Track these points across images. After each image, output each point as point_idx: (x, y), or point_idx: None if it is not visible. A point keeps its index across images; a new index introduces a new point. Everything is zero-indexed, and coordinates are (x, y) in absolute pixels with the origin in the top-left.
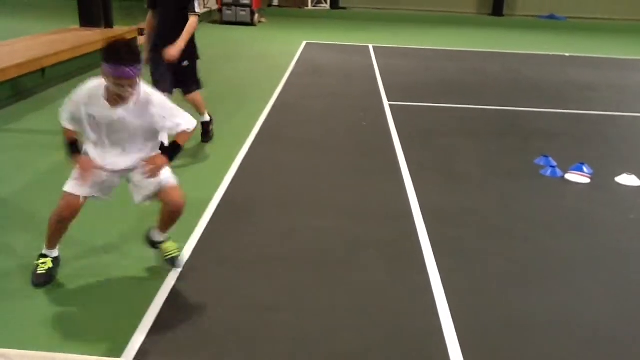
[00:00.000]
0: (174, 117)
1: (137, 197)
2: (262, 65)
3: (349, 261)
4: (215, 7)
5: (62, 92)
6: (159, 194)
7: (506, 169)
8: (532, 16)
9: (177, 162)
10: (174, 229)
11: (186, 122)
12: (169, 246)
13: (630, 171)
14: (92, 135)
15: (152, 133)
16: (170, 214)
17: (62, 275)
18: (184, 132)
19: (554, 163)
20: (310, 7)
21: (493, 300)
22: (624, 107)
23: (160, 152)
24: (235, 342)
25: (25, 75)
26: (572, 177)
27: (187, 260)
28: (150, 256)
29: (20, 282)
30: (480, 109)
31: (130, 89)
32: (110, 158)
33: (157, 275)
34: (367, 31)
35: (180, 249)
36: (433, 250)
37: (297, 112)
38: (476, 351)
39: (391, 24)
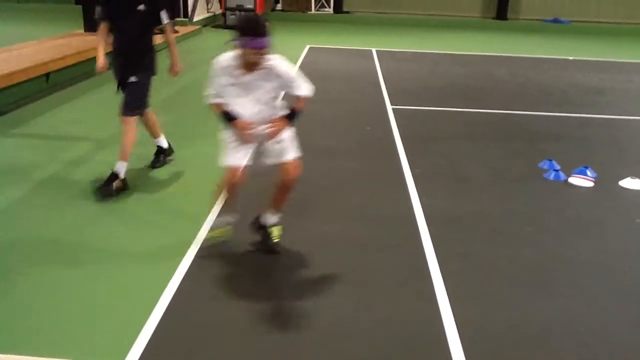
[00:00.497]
0: (295, 82)
1: (260, 163)
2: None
3: (351, 266)
4: (219, 11)
5: (65, 97)
6: (280, 165)
7: (510, 173)
8: (536, 20)
9: (177, 165)
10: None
11: (304, 89)
12: (275, 230)
13: (634, 175)
14: (231, 98)
15: (278, 93)
16: (282, 188)
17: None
18: (302, 99)
19: (558, 167)
20: (313, 11)
21: (498, 306)
22: (629, 110)
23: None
24: (236, 336)
25: (30, 80)
26: (576, 180)
27: (191, 264)
28: (141, 272)
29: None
30: (484, 112)
31: (263, 57)
32: (250, 115)
33: (158, 279)
34: (371, 35)
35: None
36: (437, 255)
37: (301, 117)
38: (481, 359)
39: (394, 28)
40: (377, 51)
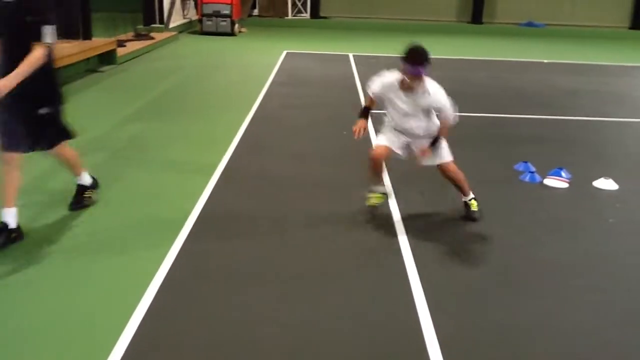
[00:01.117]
0: (447, 109)
1: (406, 156)
2: (243, 75)
3: (331, 273)
4: (195, 17)
5: None
6: (439, 166)
7: (487, 175)
8: (511, 23)
9: (156, 175)
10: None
11: (450, 115)
12: (473, 203)
13: (607, 175)
14: (390, 109)
15: (427, 111)
16: (452, 179)
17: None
18: (445, 126)
19: (533, 168)
20: (290, 16)
21: (475, 309)
22: (603, 112)
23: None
24: (219, 358)
25: None
26: (551, 182)
27: (167, 274)
28: (129, 266)
29: None
30: (462, 116)
31: (418, 82)
32: (401, 124)
33: (137, 288)
34: (348, 40)
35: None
36: (414, 260)
37: (277, 122)
38: None
39: (371, 33)
40: (354, 56)
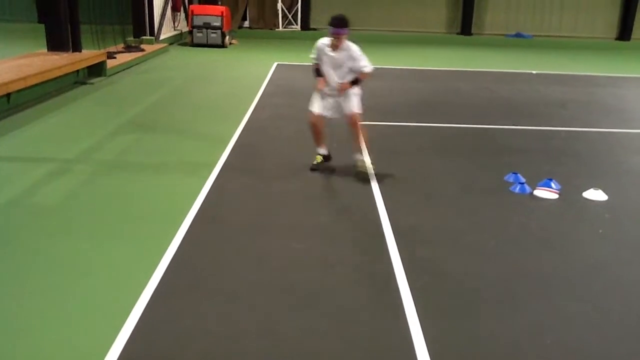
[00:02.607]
0: (361, 61)
1: (335, 114)
2: (233, 87)
3: (321, 284)
4: (185, 29)
5: (28, 117)
6: (346, 116)
7: (477, 186)
8: (500, 35)
9: (144, 187)
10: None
11: (367, 67)
12: (359, 162)
13: (596, 186)
14: (324, 66)
15: (347, 66)
16: (352, 129)
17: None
18: (364, 73)
19: (523, 179)
20: (281, 28)
21: (466, 320)
22: (591, 122)
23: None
24: None
25: None
26: (541, 193)
27: (158, 286)
28: (118, 272)
29: None
30: (451, 127)
31: (341, 41)
32: (329, 78)
33: (127, 299)
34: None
35: (369, 167)
36: (405, 270)
37: (268, 133)
38: None
39: (361, 44)
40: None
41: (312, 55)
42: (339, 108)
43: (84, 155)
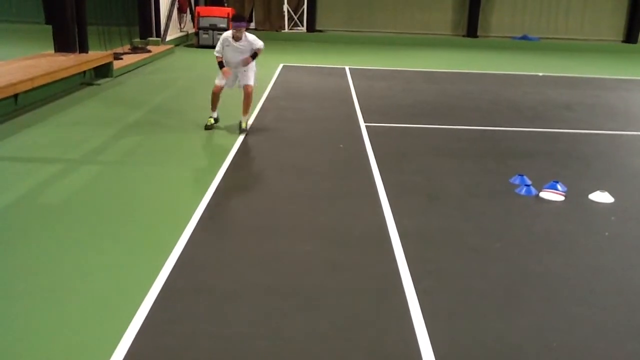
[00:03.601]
0: (257, 44)
1: (235, 85)
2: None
3: (326, 287)
4: (191, 30)
5: (35, 118)
6: (243, 87)
7: (482, 189)
8: (506, 37)
9: (151, 187)
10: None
11: (260, 45)
12: (243, 123)
13: (602, 188)
14: (227, 55)
15: (249, 50)
16: (245, 100)
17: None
18: (259, 50)
19: (529, 182)
20: (287, 30)
21: (471, 322)
22: (597, 125)
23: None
24: None
25: None
26: (547, 195)
27: (162, 288)
28: (122, 272)
29: None
30: (456, 129)
31: (242, 32)
32: (233, 61)
33: (131, 301)
34: (344, 53)
35: (247, 125)
36: (411, 273)
37: (274, 135)
38: None
39: (367, 46)
40: (350, 69)
41: (218, 50)
42: (236, 81)
43: (89, 156)
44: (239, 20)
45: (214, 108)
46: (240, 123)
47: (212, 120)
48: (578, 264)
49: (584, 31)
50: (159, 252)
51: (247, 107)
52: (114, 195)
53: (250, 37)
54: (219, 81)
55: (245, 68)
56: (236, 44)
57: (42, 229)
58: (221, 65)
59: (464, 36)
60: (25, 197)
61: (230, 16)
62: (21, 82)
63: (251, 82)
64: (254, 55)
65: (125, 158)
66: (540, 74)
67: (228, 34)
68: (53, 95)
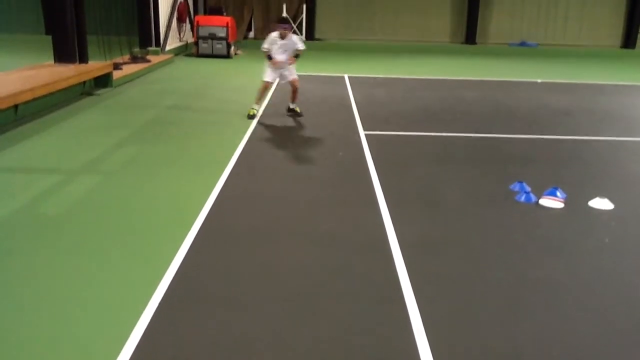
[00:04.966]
0: (299, 44)
1: (283, 81)
2: (238, 97)
3: (326, 295)
4: (191, 40)
5: (35, 129)
6: (290, 82)
7: (482, 195)
8: (504, 43)
9: (150, 198)
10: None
11: (302, 46)
12: (296, 108)
13: (602, 194)
14: (274, 50)
15: (292, 49)
16: (293, 91)
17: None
18: (300, 50)
19: (528, 188)
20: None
21: (472, 330)
22: (596, 131)
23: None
24: None
25: None
26: (546, 202)
27: (163, 297)
28: (121, 288)
29: None
30: (457, 136)
31: (287, 32)
32: (279, 58)
33: (131, 311)
34: (343, 61)
35: (300, 110)
36: (411, 281)
37: (273, 142)
38: None
39: (366, 54)
40: (349, 77)
41: (265, 46)
42: (282, 77)
43: (89, 166)
44: (285, 22)
45: (258, 101)
46: (293, 109)
47: (255, 111)
48: (579, 271)
49: (582, 37)
50: (160, 260)
51: (295, 96)
52: (114, 205)
53: (295, 37)
54: (267, 77)
55: (289, 66)
56: (282, 42)
57: (41, 239)
58: (269, 57)
59: (462, 43)
60: (25, 208)
61: (278, 19)
62: (21, 92)
63: (295, 75)
64: (297, 55)
65: (126, 167)
66: (539, 80)
67: (275, 33)
68: (53, 105)
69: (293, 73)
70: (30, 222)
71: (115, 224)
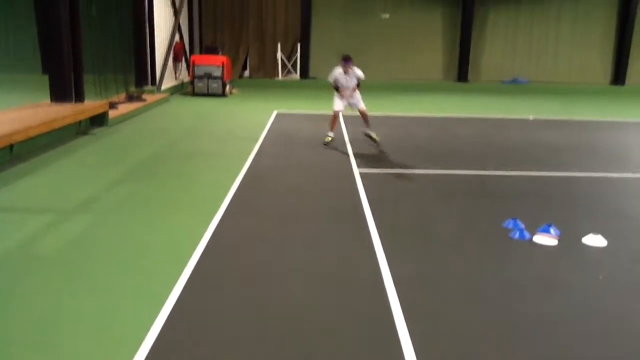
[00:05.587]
0: (360, 74)
1: (353, 108)
2: (233, 136)
3: (322, 335)
4: (187, 79)
5: (29, 168)
6: (359, 110)
7: (476, 233)
8: (496, 81)
9: (144, 238)
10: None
11: (361, 75)
12: (372, 134)
13: (595, 231)
14: (340, 83)
15: (354, 78)
16: (364, 117)
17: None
18: (360, 78)
19: (522, 225)
20: (280, 77)
21: None
22: (588, 167)
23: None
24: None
25: None
26: (540, 239)
27: (157, 338)
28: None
29: None
30: (450, 173)
31: (349, 68)
32: (345, 87)
33: (126, 352)
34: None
35: (378, 137)
36: (405, 318)
37: (268, 182)
38: None
39: (360, 92)
40: (343, 115)
41: (332, 79)
42: (352, 105)
43: (82, 206)
44: (347, 60)
45: (332, 128)
46: (369, 135)
47: (330, 138)
48: (573, 308)
49: (572, 74)
50: (154, 301)
51: (367, 122)
52: (107, 245)
53: (355, 69)
54: (337, 107)
55: (354, 94)
56: (345, 76)
57: (34, 279)
58: (337, 89)
59: (455, 80)
60: (18, 247)
61: (342, 57)
62: (17, 132)
63: (362, 104)
64: (358, 83)
65: (120, 207)
66: (531, 117)
67: (339, 68)
68: (48, 144)
69: (360, 102)
70: (23, 262)
71: (108, 263)
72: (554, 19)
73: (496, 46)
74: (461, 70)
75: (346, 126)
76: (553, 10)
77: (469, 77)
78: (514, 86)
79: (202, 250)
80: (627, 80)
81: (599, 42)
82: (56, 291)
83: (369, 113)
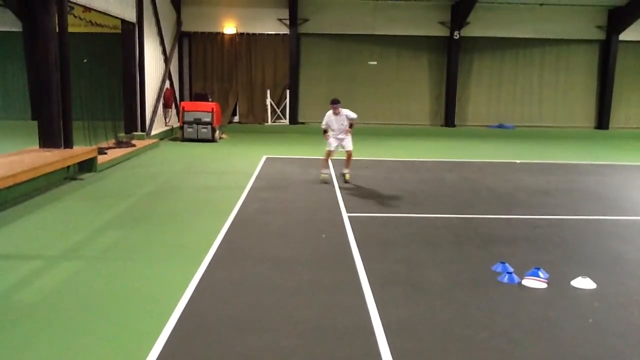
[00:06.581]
0: (350, 115)
1: (340, 149)
2: (222, 181)
3: None
4: (176, 124)
5: (16, 214)
6: (346, 151)
7: (465, 277)
8: (483, 126)
9: (131, 284)
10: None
11: (354, 116)
12: (347, 175)
13: (584, 274)
14: (332, 126)
15: (345, 120)
16: (347, 159)
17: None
18: (353, 120)
19: (511, 269)
20: (270, 122)
21: None
22: (574, 210)
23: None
24: None
25: None
26: (529, 282)
27: None
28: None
29: None
30: (439, 217)
31: (338, 110)
32: (335, 132)
33: None
34: (325, 144)
35: (349, 178)
36: None
37: (257, 227)
38: None
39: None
40: (332, 160)
41: (324, 124)
42: (342, 146)
43: (69, 252)
44: (335, 103)
45: (323, 167)
46: (344, 175)
47: (326, 176)
48: (562, 352)
49: (557, 119)
50: (139, 349)
51: (348, 164)
52: (92, 292)
53: (345, 111)
54: (329, 147)
55: (345, 136)
56: (335, 117)
57: (20, 326)
58: (325, 132)
59: (442, 125)
60: (3, 294)
61: (332, 102)
62: (3, 178)
63: (350, 147)
64: (351, 125)
65: (106, 254)
66: (518, 161)
67: (330, 112)
68: (36, 190)
69: (349, 144)
70: (6, 309)
71: (93, 311)
72: (537, 66)
73: (482, 92)
74: (448, 115)
75: (335, 170)
76: (536, 58)
77: (456, 122)
78: (501, 131)
79: (188, 299)
80: (611, 125)
81: (582, 88)
82: (37, 340)
83: (358, 157)
